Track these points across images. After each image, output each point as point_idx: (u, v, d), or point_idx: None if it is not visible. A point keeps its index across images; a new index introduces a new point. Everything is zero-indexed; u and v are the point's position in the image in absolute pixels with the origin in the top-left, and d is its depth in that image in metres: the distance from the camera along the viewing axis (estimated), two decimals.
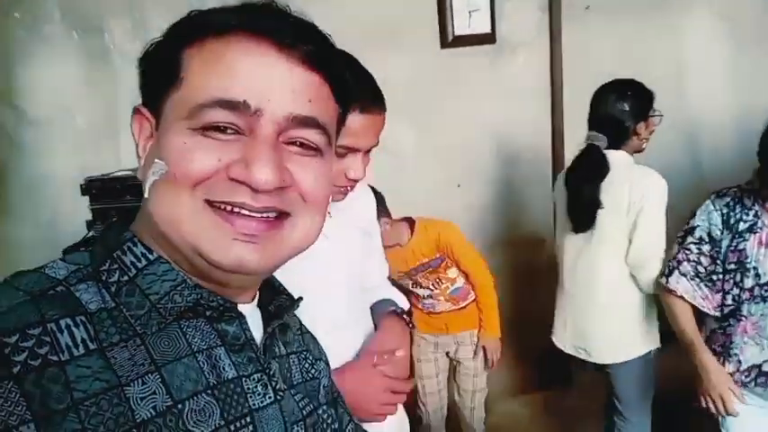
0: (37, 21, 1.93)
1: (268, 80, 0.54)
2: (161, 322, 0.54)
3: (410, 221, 2.04)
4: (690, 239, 1.65)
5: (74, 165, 1.98)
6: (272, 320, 0.63)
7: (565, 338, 2.01)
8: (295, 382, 0.67)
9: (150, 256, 0.56)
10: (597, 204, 1.84)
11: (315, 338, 0.75)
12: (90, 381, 0.49)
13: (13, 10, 1.92)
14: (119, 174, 1.56)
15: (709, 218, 1.64)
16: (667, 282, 1.68)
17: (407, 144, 2.47)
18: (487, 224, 2.72)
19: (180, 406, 0.53)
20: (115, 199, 1.51)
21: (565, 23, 2.63)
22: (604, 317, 1.92)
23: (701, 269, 1.64)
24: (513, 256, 2.79)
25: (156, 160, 0.54)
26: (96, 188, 1.52)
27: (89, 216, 1.58)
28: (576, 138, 2.68)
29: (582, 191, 1.88)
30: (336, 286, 1.07)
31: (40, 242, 1.91)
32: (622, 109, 1.89)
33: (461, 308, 2.15)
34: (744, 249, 1.58)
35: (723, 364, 1.62)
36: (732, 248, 1.60)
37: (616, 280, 1.88)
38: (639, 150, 1.96)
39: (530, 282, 2.84)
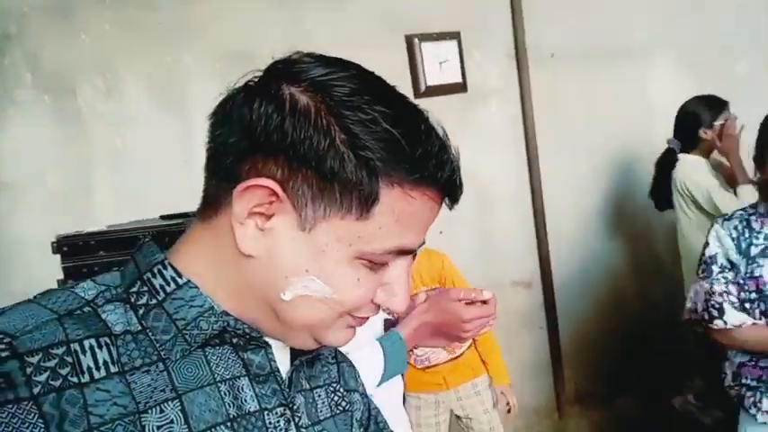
0: (7, 85, 1.93)
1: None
2: (185, 349, 0.54)
3: None
4: (715, 269, 1.53)
5: (45, 228, 1.93)
6: (300, 352, 0.62)
7: None
8: (322, 417, 0.64)
9: (179, 281, 0.55)
10: None
11: (353, 367, 0.73)
12: (108, 405, 0.49)
13: None
14: (91, 230, 1.52)
15: (722, 243, 1.54)
16: (723, 324, 1.50)
17: None
18: (473, 270, 2.69)
19: None
20: (88, 255, 1.46)
21: (532, 70, 2.72)
22: None
23: (732, 299, 1.51)
24: (499, 299, 2.75)
25: (313, 278, 0.54)
26: (68, 245, 1.47)
27: (61, 276, 1.51)
28: (552, 178, 2.74)
29: None
30: None
31: None
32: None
33: (458, 356, 2.04)
34: (761, 276, 1.48)
35: (761, 400, 1.48)
36: (749, 276, 1.50)
37: None
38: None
39: (520, 326, 2.80)
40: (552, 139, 2.78)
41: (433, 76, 2.50)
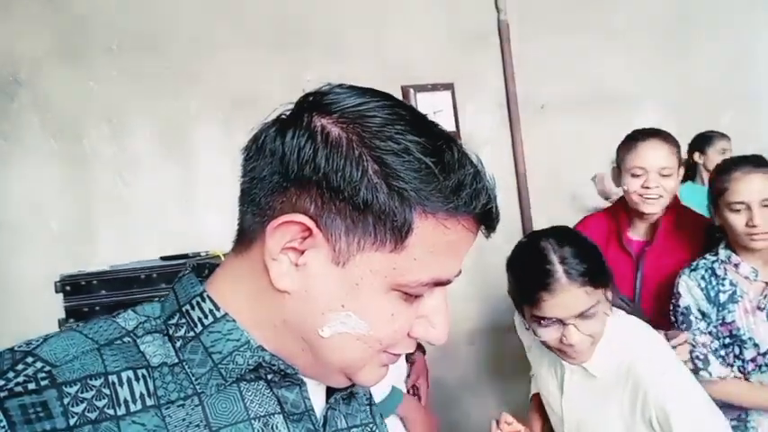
0: (16, 128, 1.99)
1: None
2: (220, 384, 0.54)
3: None
4: (693, 320, 1.59)
5: (47, 268, 1.96)
6: (335, 390, 0.60)
7: None
8: None
9: (217, 313, 0.55)
10: None
11: (381, 415, 0.72)
12: None
13: None
14: (93, 270, 1.55)
15: (692, 294, 1.60)
16: (708, 375, 1.55)
17: None
18: (465, 314, 2.72)
19: None
20: (90, 294, 1.49)
21: (523, 119, 2.80)
22: None
23: (715, 346, 1.57)
24: (495, 345, 2.77)
25: (350, 313, 0.53)
26: (71, 284, 1.50)
27: (63, 316, 1.54)
28: (544, 225, 2.79)
29: None
30: None
31: None
32: None
33: None
34: (733, 321, 1.55)
35: None
36: (721, 322, 1.56)
37: None
38: None
39: (513, 373, 2.80)
40: (544, 186, 2.85)
41: None
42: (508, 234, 2.76)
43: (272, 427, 0.55)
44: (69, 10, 2.07)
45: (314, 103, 0.53)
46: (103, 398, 0.49)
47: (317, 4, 2.44)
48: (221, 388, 0.54)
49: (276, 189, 0.52)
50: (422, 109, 2.29)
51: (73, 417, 0.47)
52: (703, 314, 1.58)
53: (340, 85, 0.54)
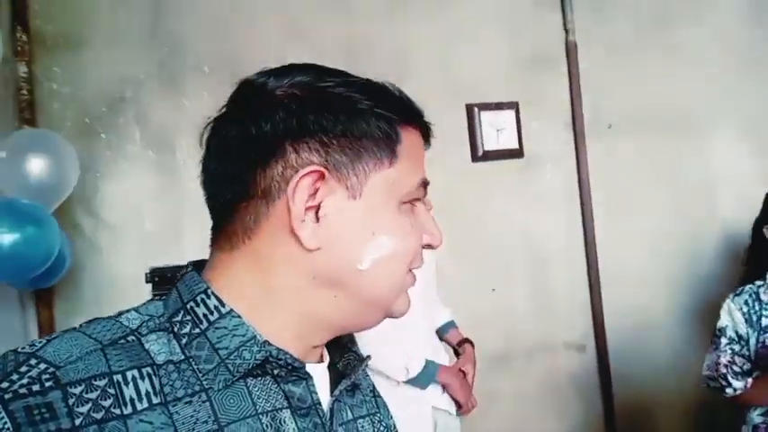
0: (120, 141, 2.26)
1: None
2: (228, 379, 0.54)
3: None
4: (724, 341, 1.67)
5: (139, 264, 2.21)
6: (340, 381, 0.61)
7: None
8: None
9: (222, 309, 0.55)
10: None
11: (386, 405, 0.72)
12: None
13: (102, 132, 2.26)
14: (180, 263, 1.75)
15: (732, 317, 1.66)
16: (732, 391, 1.64)
17: (443, 248, 2.62)
18: (525, 328, 2.76)
19: None
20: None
21: (589, 139, 2.82)
22: None
23: (736, 369, 1.65)
24: (550, 363, 2.78)
25: (382, 236, 0.56)
26: (159, 276, 1.71)
27: None
28: (608, 244, 2.79)
29: None
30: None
31: None
32: None
33: None
34: None
35: None
36: (761, 345, 1.61)
37: None
38: None
39: (567, 389, 2.80)
40: (608, 206, 2.84)
41: (490, 142, 2.67)
42: (568, 248, 2.79)
43: (279, 422, 0.55)
44: (168, 39, 2.33)
45: (260, 83, 0.58)
46: (109, 397, 0.49)
47: (386, 24, 2.57)
48: (228, 383, 0.54)
49: (267, 162, 0.55)
50: (485, 126, 2.49)
51: (78, 417, 0.47)
52: (740, 337, 1.64)
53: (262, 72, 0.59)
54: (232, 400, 0.53)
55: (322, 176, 0.55)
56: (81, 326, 0.55)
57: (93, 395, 0.48)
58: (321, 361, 0.62)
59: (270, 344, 0.55)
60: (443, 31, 2.66)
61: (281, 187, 0.55)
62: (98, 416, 0.48)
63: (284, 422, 0.55)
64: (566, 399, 2.80)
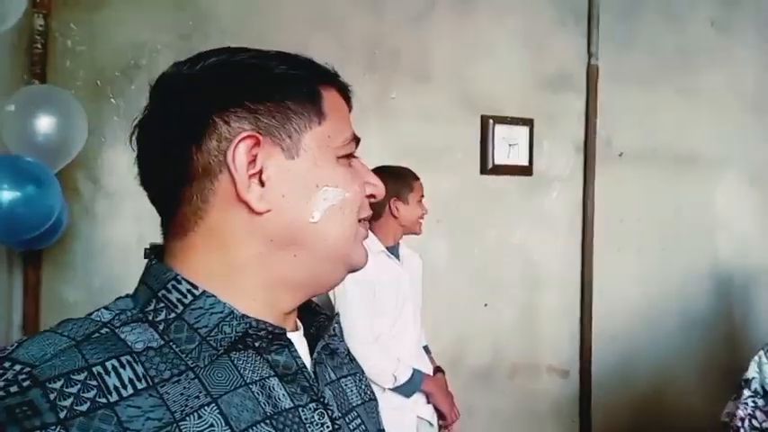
0: (130, 108, 2.20)
1: None
2: (212, 354, 0.55)
3: None
4: (747, 393, 1.64)
5: (133, 234, 2.16)
6: (316, 344, 0.63)
7: None
8: (354, 404, 0.67)
9: (196, 292, 0.56)
10: None
11: (361, 367, 0.75)
12: (142, 420, 0.49)
13: (112, 96, 2.20)
14: None
15: (761, 370, 1.63)
16: None
17: (441, 257, 2.60)
18: (511, 347, 2.75)
19: None
20: None
21: (598, 165, 2.83)
22: None
23: (755, 423, 1.61)
24: (533, 385, 2.78)
25: (326, 187, 0.59)
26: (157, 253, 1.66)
27: None
28: (603, 271, 2.80)
29: None
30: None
31: (94, 306, 2.03)
32: None
33: None
34: None
35: None
36: None
37: None
38: None
39: (546, 412, 2.79)
40: (608, 234, 2.85)
41: (501, 156, 2.65)
42: (565, 271, 2.79)
43: (269, 389, 0.56)
44: (194, 12, 2.28)
45: (175, 72, 0.59)
46: (91, 389, 0.49)
47: (411, 32, 2.57)
48: (214, 358, 0.55)
49: (200, 137, 0.56)
50: (498, 140, 2.48)
51: (62, 410, 0.47)
52: (766, 393, 1.61)
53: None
54: (220, 374, 0.54)
55: (257, 142, 0.57)
56: (51, 327, 0.54)
57: (73, 389, 0.48)
58: (296, 329, 0.64)
59: (248, 317, 0.56)
60: (467, 43, 2.66)
61: (220, 160, 0.56)
62: (83, 408, 0.48)
63: (274, 388, 0.57)
64: (543, 422, 2.79)
